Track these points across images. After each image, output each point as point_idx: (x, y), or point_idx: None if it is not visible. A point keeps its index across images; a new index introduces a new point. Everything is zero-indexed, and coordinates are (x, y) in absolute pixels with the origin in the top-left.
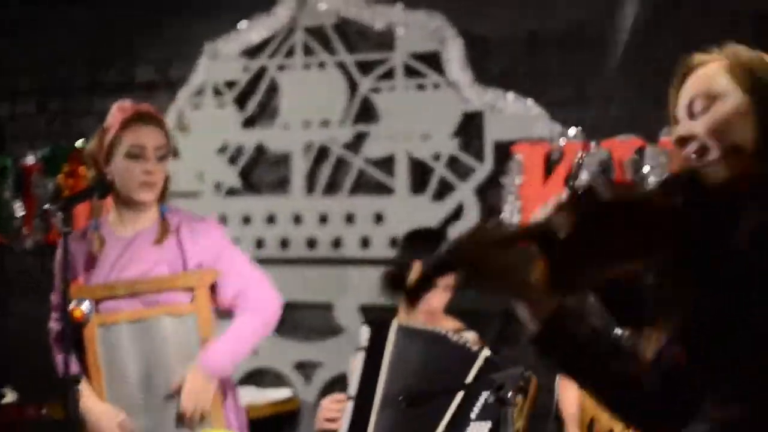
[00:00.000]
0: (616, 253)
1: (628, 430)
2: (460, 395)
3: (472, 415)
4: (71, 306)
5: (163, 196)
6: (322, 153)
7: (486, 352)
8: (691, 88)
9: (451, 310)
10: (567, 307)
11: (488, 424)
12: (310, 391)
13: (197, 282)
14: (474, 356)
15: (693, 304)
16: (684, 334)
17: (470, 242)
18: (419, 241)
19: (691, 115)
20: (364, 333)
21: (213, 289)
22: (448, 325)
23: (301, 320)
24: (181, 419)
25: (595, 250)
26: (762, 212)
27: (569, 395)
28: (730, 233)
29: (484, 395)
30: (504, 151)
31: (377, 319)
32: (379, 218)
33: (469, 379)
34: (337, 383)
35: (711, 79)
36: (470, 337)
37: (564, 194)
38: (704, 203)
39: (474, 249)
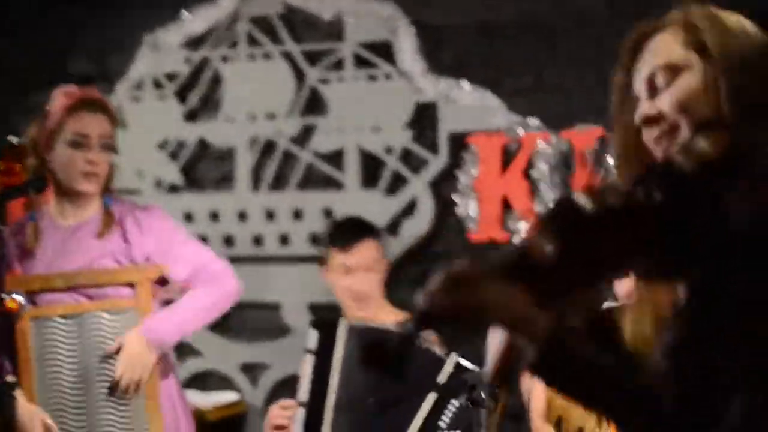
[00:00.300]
0: (603, 266)
1: (599, 429)
2: (429, 400)
3: (442, 424)
4: (4, 298)
5: (107, 187)
6: (268, 147)
7: (455, 357)
8: (648, 61)
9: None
10: (563, 326)
11: None
12: (257, 394)
13: (140, 277)
14: (440, 360)
15: (700, 302)
16: (696, 337)
17: (445, 291)
18: (343, 230)
19: (653, 92)
20: (312, 335)
21: (164, 281)
22: (388, 317)
23: (247, 320)
24: (113, 389)
25: (580, 267)
26: (754, 191)
27: (535, 391)
28: (718, 219)
29: (455, 402)
30: (459, 143)
31: (325, 319)
32: (328, 214)
33: (440, 381)
34: (286, 386)
35: (668, 48)
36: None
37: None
38: (685, 195)
39: (450, 298)
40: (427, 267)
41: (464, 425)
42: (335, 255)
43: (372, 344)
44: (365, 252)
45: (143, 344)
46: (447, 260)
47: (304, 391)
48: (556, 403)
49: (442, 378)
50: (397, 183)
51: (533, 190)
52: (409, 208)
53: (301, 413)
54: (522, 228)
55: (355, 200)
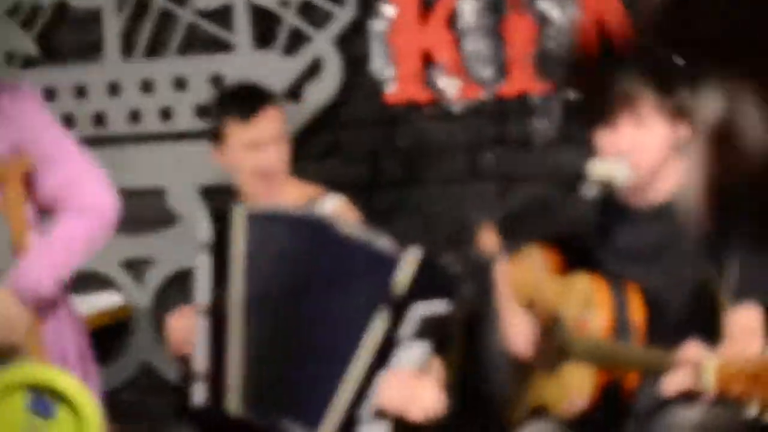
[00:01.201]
0: None
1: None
2: (382, 311)
3: (404, 334)
4: None
5: None
6: (141, 7)
7: (413, 253)
8: None
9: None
10: None
11: (424, 345)
12: (143, 294)
13: (4, 172)
14: (392, 258)
15: None
16: None
17: None
18: (241, 98)
19: None
20: (206, 227)
21: (28, 181)
22: (298, 195)
23: (127, 210)
24: None
25: None
26: None
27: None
28: None
29: (419, 306)
30: None
31: (220, 207)
32: (217, 81)
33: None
34: (177, 283)
35: None
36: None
37: None
38: None
39: None
40: (336, 136)
41: (433, 332)
42: (234, 128)
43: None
44: (271, 121)
45: (13, 303)
46: (359, 128)
47: (202, 294)
48: (525, 289)
49: (399, 281)
50: (296, 41)
51: (458, 40)
52: (313, 70)
53: (201, 321)
54: (447, 85)
55: (248, 63)
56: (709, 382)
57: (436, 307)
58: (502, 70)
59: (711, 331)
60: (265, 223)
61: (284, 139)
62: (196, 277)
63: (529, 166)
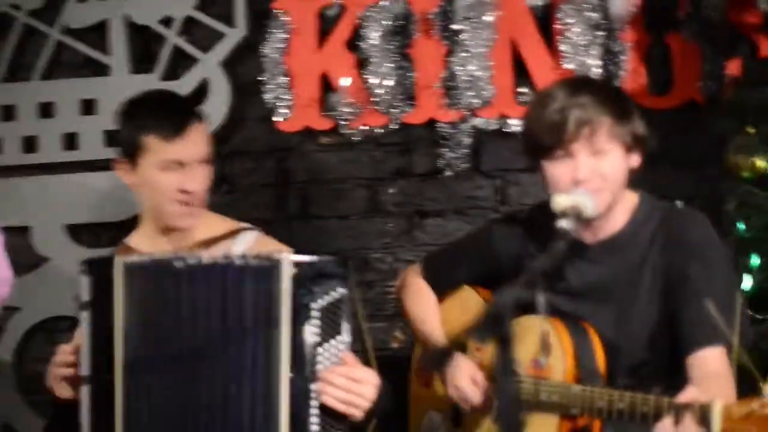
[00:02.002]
0: None
1: None
2: (284, 325)
3: (310, 338)
4: None
5: None
6: (4, 23)
7: (289, 259)
8: None
9: None
10: None
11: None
12: (4, 345)
13: None
14: (265, 267)
15: None
16: None
17: None
18: (166, 111)
19: None
20: (84, 282)
21: None
22: (219, 228)
23: None
24: None
25: None
26: None
27: None
28: None
29: (315, 305)
30: (261, 10)
31: (97, 258)
32: (88, 107)
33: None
34: (41, 333)
35: None
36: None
37: None
38: None
39: None
40: (224, 168)
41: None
42: (156, 144)
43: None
44: (198, 139)
45: None
46: (250, 156)
47: (85, 360)
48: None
49: (284, 288)
50: (180, 64)
51: (361, 64)
52: (198, 95)
53: (86, 391)
54: (346, 111)
55: (125, 88)
56: (717, 425)
57: (331, 296)
58: (409, 96)
59: (670, 374)
60: (148, 274)
61: (209, 161)
62: (80, 341)
63: (437, 199)
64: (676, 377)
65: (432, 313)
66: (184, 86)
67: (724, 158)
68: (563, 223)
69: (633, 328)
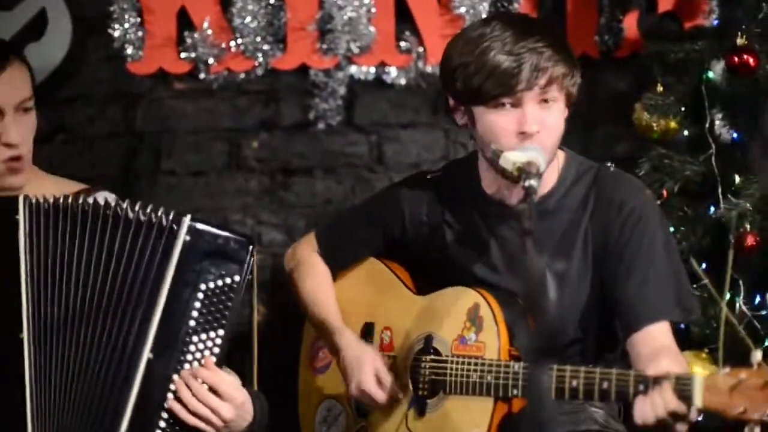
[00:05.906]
0: None
1: None
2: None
3: (193, 323)
4: None
5: None
6: None
7: (187, 223)
8: None
9: None
10: None
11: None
12: None
13: None
14: (161, 231)
15: None
16: None
17: None
18: None
19: None
20: None
21: None
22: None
23: None
24: None
25: None
26: None
27: None
28: None
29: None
30: None
31: None
32: None
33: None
34: None
35: None
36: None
37: None
38: None
39: None
40: (62, 114)
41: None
42: None
43: None
44: (19, 79)
45: None
46: (93, 102)
47: None
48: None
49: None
50: None
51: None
52: (35, 29)
53: None
54: (206, 53)
55: None
56: (698, 397)
57: (223, 281)
58: (279, 39)
59: (599, 354)
60: (53, 219)
61: (32, 111)
62: None
63: (306, 155)
64: (604, 357)
65: (326, 293)
66: (17, 18)
67: (630, 118)
68: (532, 182)
69: (564, 303)
